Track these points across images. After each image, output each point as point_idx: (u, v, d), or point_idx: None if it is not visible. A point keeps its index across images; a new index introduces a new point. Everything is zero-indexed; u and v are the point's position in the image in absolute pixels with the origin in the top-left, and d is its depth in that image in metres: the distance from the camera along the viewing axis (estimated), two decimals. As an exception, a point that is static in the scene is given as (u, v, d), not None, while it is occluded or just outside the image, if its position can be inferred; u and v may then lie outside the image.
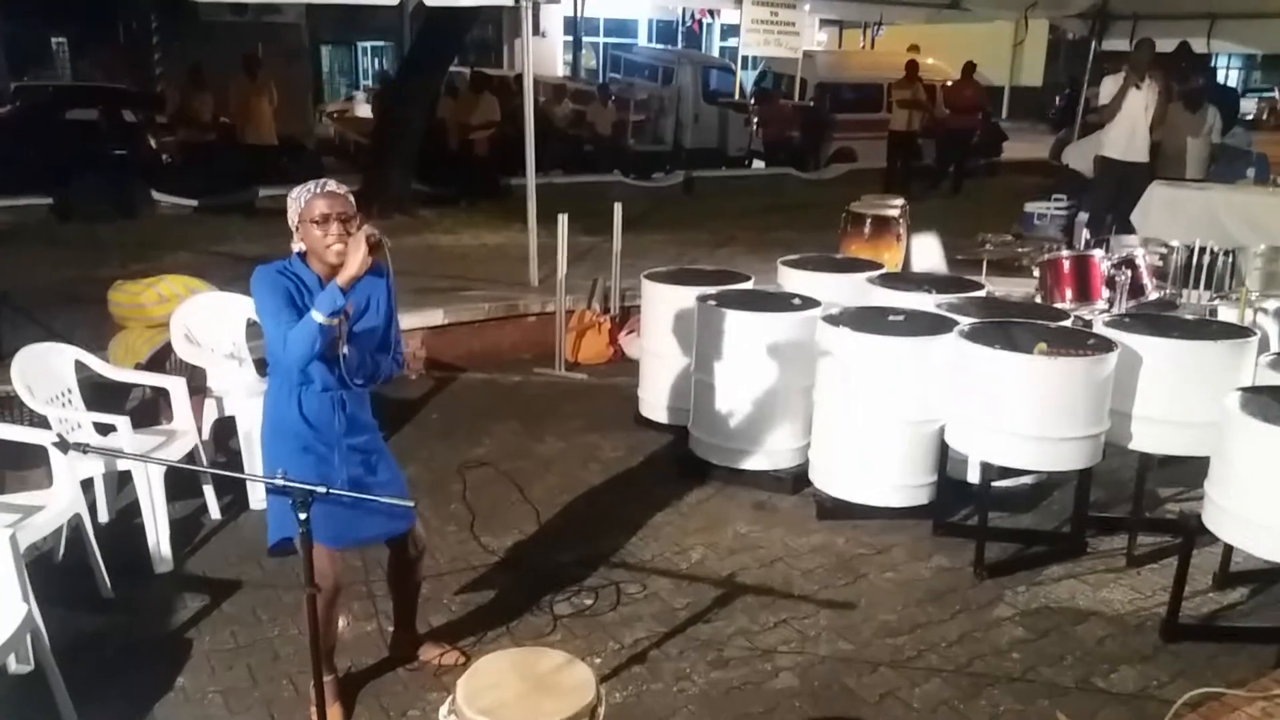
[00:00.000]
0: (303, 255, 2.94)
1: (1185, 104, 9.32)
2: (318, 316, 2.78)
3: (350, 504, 2.89)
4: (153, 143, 11.51)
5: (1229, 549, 3.99)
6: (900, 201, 7.83)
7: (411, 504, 2.79)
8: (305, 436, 2.99)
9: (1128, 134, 8.50)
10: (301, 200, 2.87)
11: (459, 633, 3.66)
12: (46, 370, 4.17)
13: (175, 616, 3.76)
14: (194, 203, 10.86)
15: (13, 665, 3.19)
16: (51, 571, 3.92)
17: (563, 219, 6.69)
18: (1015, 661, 3.56)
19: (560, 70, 25.59)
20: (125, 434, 4.03)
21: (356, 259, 2.76)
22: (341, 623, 3.61)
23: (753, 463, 4.92)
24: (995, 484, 4.31)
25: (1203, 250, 5.76)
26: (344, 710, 3.18)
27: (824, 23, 27.43)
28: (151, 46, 16.87)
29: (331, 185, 2.90)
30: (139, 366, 4.95)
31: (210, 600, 3.86)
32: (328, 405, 2.99)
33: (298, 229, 2.91)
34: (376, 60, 27.15)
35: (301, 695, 3.27)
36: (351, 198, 2.93)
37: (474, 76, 13.78)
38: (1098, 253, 5.39)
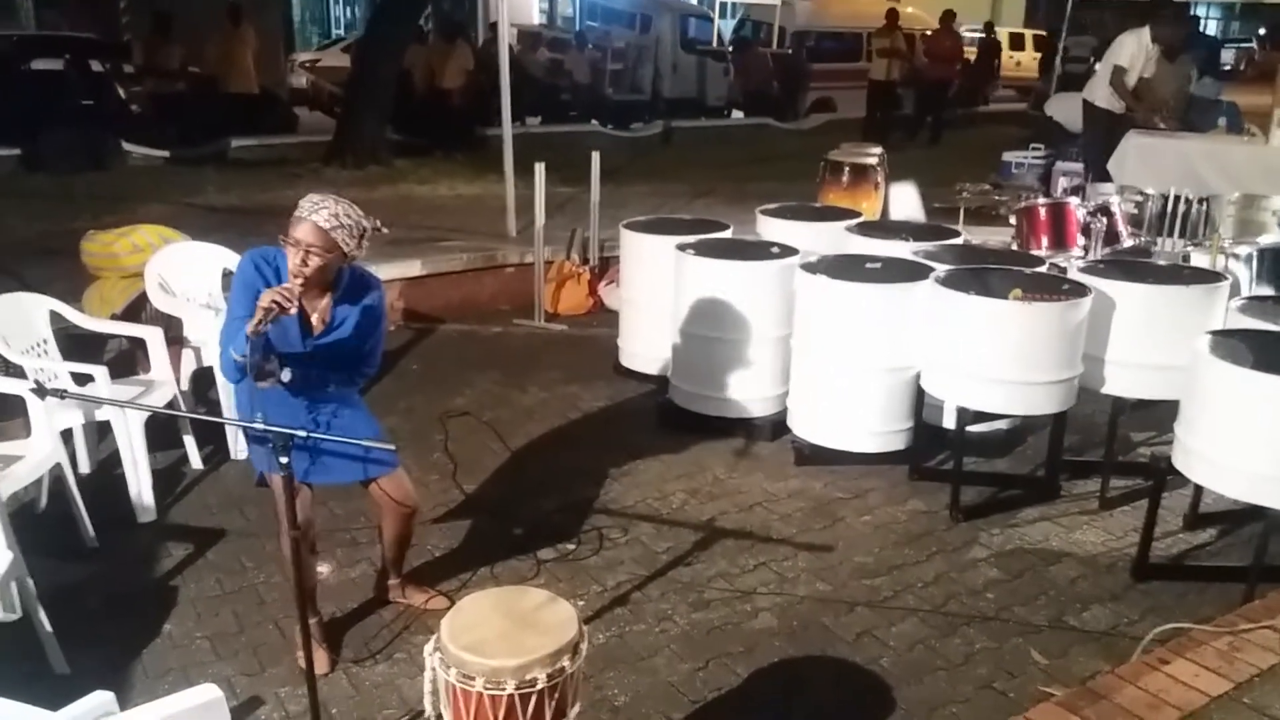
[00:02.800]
0: None
1: (1165, 53, 9.30)
2: (233, 351, 2.78)
3: (312, 444, 2.97)
4: (121, 93, 11.31)
5: (1199, 490, 4.07)
6: (878, 150, 7.84)
7: (392, 447, 2.80)
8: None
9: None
10: (299, 210, 2.80)
11: (443, 578, 3.70)
12: (21, 320, 4.13)
13: (160, 565, 3.78)
14: (165, 154, 10.71)
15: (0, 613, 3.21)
16: (35, 522, 3.92)
17: (540, 169, 6.65)
18: (990, 601, 3.63)
19: (536, 18, 25.25)
20: (103, 384, 4.01)
21: (257, 315, 2.68)
22: (326, 568, 3.65)
23: (732, 410, 4.96)
24: (970, 429, 4.37)
25: (1178, 198, 5.81)
26: (329, 652, 3.21)
27: (803, -30, 27.16)
28: (117, -6, 16.48)
29: (323, 215, 2.77)
30: (114, 317, 4.91)
31: (194, 549, 3.88)
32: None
33: None
34: (349, 8, 26.68)
35: (287, 639, 3.30)
36: (340, 234, 2.79)
37: (443, 24, 13.62)
38: (1073, 200, 5.43)
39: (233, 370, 2.82)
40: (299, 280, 2.78)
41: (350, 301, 2.99)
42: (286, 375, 2.90)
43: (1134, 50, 8.18)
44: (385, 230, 2.97)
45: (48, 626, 3.11)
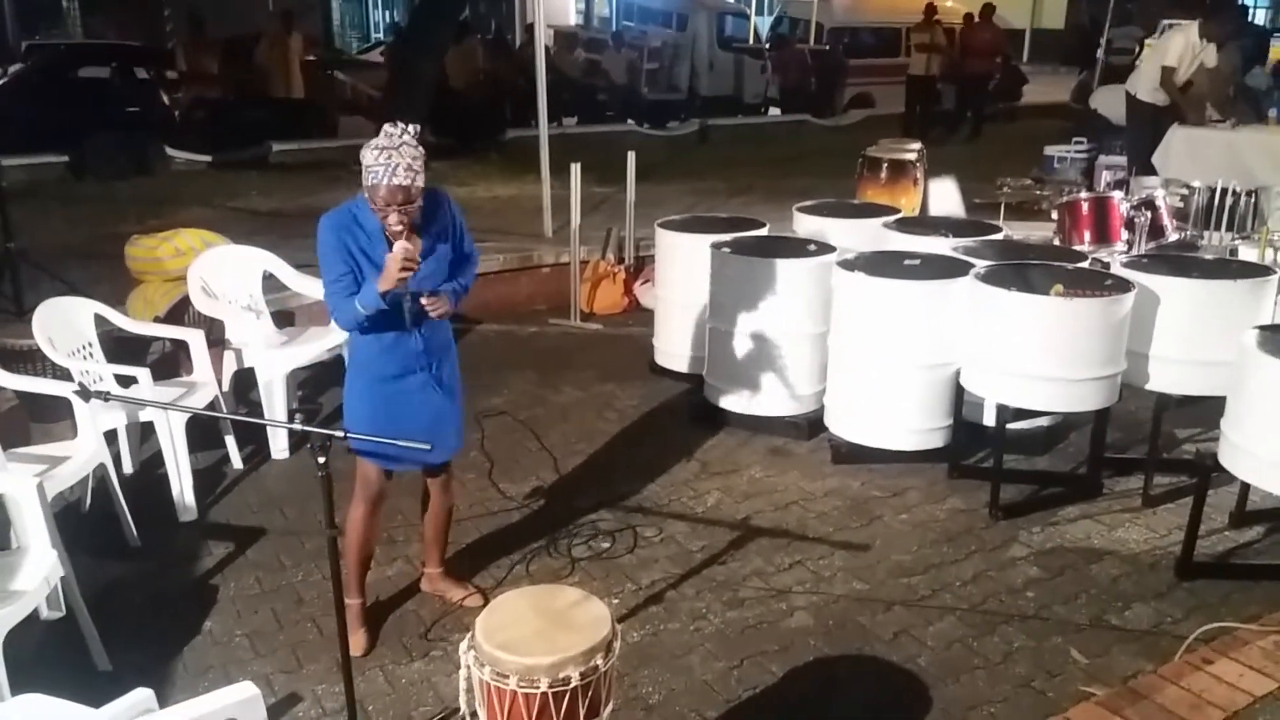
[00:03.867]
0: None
1: (1205, 35, 9.09)
2: (358, 305, 2.93)
3: (422, 430, 3.07)
4: (165, 99, 11.51)
5: (1245, 488, 3.99)
6: (917, 145, 7.76)
7: (428, 447, 2.81)
8: (373, 363, 3.12)
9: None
10: (373, 174, 2.84)
11: (478, 576, 3.72)
12: (67, 323, 4.21)
13: (201, 563, 3.83)
14: (208, 158, 10.88)
15: (45, 611, 3.26)
16: (79, 521, 4.00)
17: (576, 169, 6.67)
18: (1029, 600, 3.58)
19: (573, 18, 25.32)
20: (146, 386, 4.09)
21: (392, 276, 2.85)
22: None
23: (768, 409, 4.93)
24: (1011, 426, 4.31)
25: (1224, 191, 5.70)
26: (368, 636, 3.28)
27: (840, -34, 26.99)
28: (162, 2, 16.79)
29: (400, 173, 2.81)
30: (158, 320, 5.00)
31: (234, 547, 3.93)
32: (398, 335, 3.09)
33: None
34: (388, 12, 26.92)
35: (325, 636, 3.33)
36: (418, 178, 2.86)
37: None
38: (1117, 194, 5.35)
39: (353, 321, 2.98)
40: (403, 231, 2.89)
41: (431, 220, 3.05)
42: (437, 307, 3.03)
43: (1181, 49, 7.99)
44: (419, 127, 3.00)
45: (91, 624, 3.17)
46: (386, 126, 2.90)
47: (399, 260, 2.85)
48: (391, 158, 2.83)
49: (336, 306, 2.99)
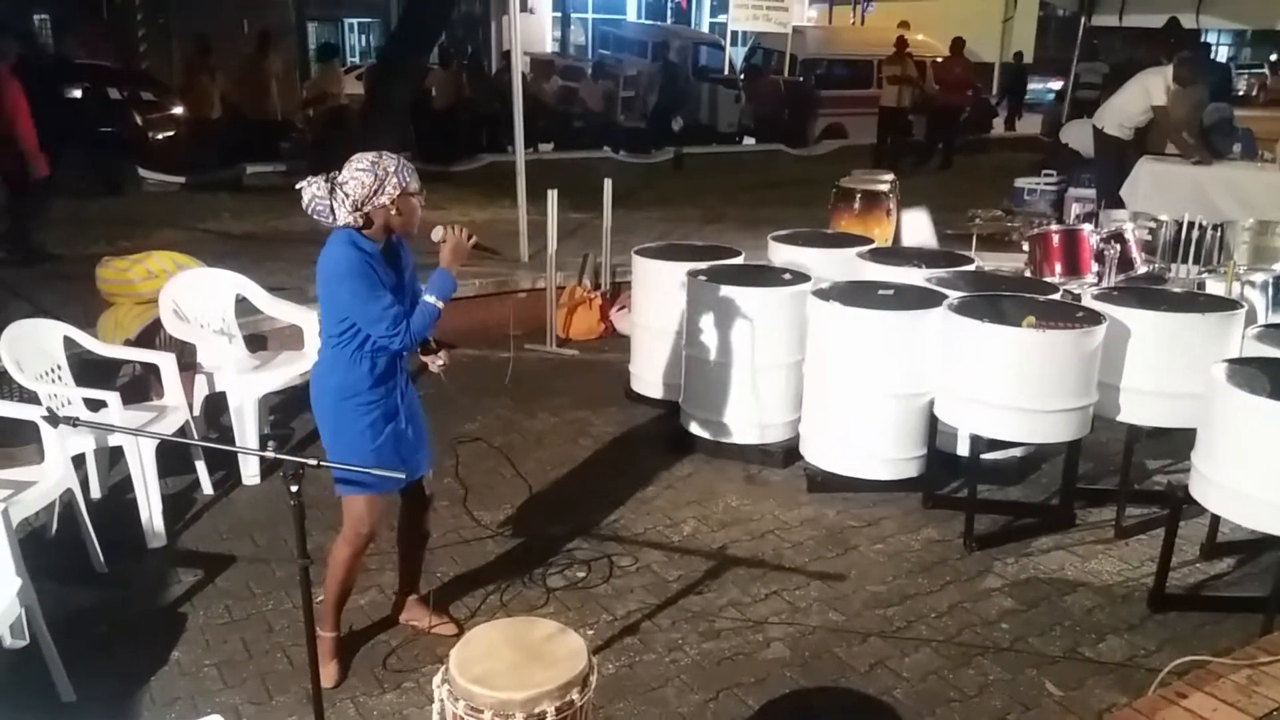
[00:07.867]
0: (360, 228, 3.00)
1: (1178, 80, 9.28)
2: (437, 301, 3.02)
3: (411, 444, 3.17)
4: (139, 120, 11.43)
5: (1216, 519, 4.03)
6: (890, 176, 7.83)
7: (402, 475, 2.82)
8: (376, 394, 3.08)
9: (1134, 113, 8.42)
10: (404, 176, 3.01)
11: (453, 605, 3.68)
12: (35, 346, 4.15)
13: (169, 591, 3.77)
14: (180, 179, 10.80)
15: (8, 640, 3.20)
16: (45, 547, 3.92)
17: (552, 195, 6.68)
18: (1004, 632, 3.59)
19: (549, 46, 25.45)
20: (116, 410, 4.02)
21: (463, 250, 3.14)
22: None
23: (743, 437, 4.94)
24: (984, 457, 4.34)
25: (1191, 225, 5.79)
26: (340, 668, 3.23)
27: (814, -2, 27.43)
28: (136, 23, 16.72)
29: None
30: (128, 343, 4.94)
31: (204, 575, 3.87)
32: (394, 362, 3.13)
33: (393, 203, 3.00)
34: (364, 37, 26.93)
35: (295, 667, 3.28)
36: None
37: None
38: (1087, 227, 5.42)
39: (430, 324, 3.05)
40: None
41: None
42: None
43: (1163, 88, 8.16)
44: None
45: (55, 654, 3.09)
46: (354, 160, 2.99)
47: (458, 233, 3.10)
48: (401, 159, 3.02)
49: (402, 321, 2.96)
